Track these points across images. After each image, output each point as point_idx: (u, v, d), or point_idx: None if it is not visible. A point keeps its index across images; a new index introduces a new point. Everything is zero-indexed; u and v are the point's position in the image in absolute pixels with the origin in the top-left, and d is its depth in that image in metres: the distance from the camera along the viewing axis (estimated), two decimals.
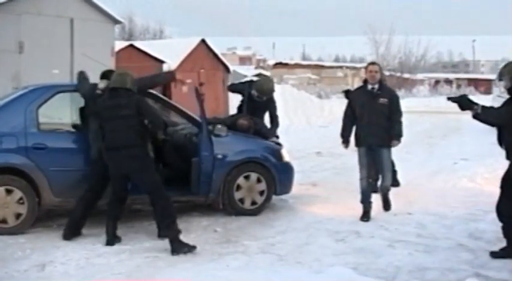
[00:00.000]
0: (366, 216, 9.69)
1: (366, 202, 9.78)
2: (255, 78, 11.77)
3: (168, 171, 9.91)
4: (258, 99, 10.84)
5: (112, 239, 8.24)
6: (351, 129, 9.84)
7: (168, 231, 7.98)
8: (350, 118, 9.86)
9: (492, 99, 25.69)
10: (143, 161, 8.07)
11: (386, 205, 10.16)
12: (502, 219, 7.79)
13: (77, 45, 22.80)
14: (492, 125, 8.00)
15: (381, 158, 9.82)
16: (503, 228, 7.80)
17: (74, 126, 9.46)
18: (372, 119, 9.61)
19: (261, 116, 11.03)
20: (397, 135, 9.67)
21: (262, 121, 10.93)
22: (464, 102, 7.58)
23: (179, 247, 7.84)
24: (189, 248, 7.87)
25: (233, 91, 11.73)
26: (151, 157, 8.22)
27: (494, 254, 7.79)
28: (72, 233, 8.54)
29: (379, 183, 10.23)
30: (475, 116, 7.56)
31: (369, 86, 9.75)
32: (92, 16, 23.68)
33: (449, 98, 7.86)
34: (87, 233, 8.58)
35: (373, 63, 10.26)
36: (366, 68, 10.10)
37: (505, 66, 7.65)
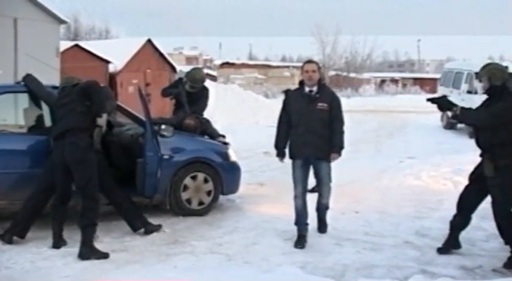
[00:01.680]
0: (300, 242, 8.37)
1: (301, 224, 8.54)
2: (181, 76, 11.78)
3: (115, 171, 9.83)
4: (192, 91, 10.93)
5: (58, 242, 8.13)
6: (287, 138, 8.56)
7: (83, 234, 7.82)
8: (285, 125, 8.54)
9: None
10: (85, 153, 7.93)
11: (323, 226, 8.95)
12: (459, 210, 7.88)
13: (21, 45, 22.52)
14: (470, 125, 8.09)
15: (320, 173, 8.62)
16: (454, 217, 7.93)
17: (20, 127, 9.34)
18: (310, 127, 8.31)
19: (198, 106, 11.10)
20: (338, 147, 8.40)
21: (208, 121, 10.94)
22: (443, 104, 7.68)
23: (88, 253, 7.71)
24: (99, 256, 7.71)
25: (168, 96, 11.60)
26: (93, 155, 8.08)
27: (441, 251, 7.93)
28: (12, 236, 8.28)
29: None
30: (454, 117, 7.67)
31: (306, 89, 8.45)
32: (36, 16, 23.42)
33: (428, 99, 7.84)
34: (32, 236, 8.41)
35: (309, 61, 8.77)
36: (301, 67, 8.73)
37: (483, 67, 7.70)
